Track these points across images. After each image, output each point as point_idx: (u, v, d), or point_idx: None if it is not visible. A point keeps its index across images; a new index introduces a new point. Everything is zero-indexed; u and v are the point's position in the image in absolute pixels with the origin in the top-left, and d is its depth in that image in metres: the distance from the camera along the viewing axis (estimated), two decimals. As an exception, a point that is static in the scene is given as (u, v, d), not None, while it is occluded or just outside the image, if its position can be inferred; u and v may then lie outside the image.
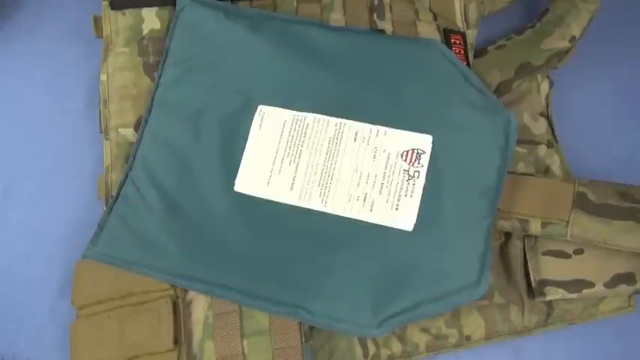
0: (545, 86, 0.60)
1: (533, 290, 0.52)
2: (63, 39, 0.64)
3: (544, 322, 0.53)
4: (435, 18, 0.59)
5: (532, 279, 0.52)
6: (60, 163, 0.60)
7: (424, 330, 0.53)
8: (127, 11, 0.57)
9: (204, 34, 0.56)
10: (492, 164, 0.50)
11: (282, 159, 0.53)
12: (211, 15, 0.56)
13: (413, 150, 0.51)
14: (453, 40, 0.57)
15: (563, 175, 0.57)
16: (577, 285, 0.51)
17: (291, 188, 0.52)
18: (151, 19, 0.57)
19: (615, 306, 0.54)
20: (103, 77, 0.56)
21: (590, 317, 0.54)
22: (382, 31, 0.57)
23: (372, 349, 0.52)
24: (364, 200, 0.51)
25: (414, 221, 0.49)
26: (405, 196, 0.50)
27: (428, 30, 0.58)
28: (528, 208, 0.51)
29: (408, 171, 0.51)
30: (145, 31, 0.57)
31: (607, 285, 0.51)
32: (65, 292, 0.55)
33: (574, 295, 0.51)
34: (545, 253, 0.53)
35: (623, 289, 0.51)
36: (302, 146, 0.53)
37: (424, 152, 0.51)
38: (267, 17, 0.56)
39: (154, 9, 0.57)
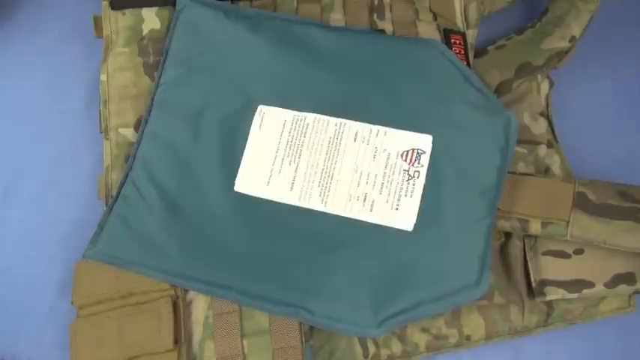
0: (545, 86, 0.60)
1: (533, 290, 0.52)
2: (63, 39, 0.64)
3: (544, 322, 0.53)
4: (435, 18, 0.59)
5: (532, 279, 0.52)
6: (60, 163, 0.60)
7: (424, 330, 0.53)
8: (127, 11, 0.57)
9: (204, 34, 0.56)
10: (492, 164, 0.50)
11: (282, 159, 0.53)
12: (211, 15, 0.56)
13: (413, 150, 0.51)
14: (453, 40, 0.57)
15: (563, 175, 0.57)
16: (577, 285, 0.51)
17: (291, 188, 0.52)
18: (151, 19, 0.57)
19: (615, 306, 0.54)
20: (103, 77, 0.56)
21: (590, 317, 0.54)
22: (382, 31, 0.57)
23: (372, 349, 0.52)
24: (364, 200, 0.51)
25: (414, 221, 0.49)
26: (405, 196, 0.50)
27: (428, 30, 0.58)
28: (528, 208, 0.51)
29: (408, 171, 0.51)
30: (145, 31, 0.57)
31: (607, 285, 0.51)
32: (65, 292, 0.55)
33: (574, 295, 0.51)
34: (545, 253, 0.53)
35: (623, 289, 0.51)
36: (302, 146, 0.53)
37: (424, 152, 0.51)
38: (267, 17, 0.56)
39: (154, 9, 0.57)
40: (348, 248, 0.50)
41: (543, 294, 0.52)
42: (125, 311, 0.49)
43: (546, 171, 0.57)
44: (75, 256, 0.53)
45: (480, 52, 0.61)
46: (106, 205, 0.53)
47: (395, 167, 0.51)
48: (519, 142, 0.57)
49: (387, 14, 0.58)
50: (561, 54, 0.60)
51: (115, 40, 0.57)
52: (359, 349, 0.52)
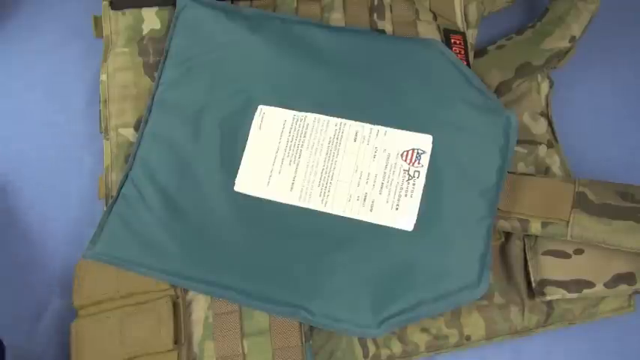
0: (545, 86, 0.60)
1: (534, 290, 0.52)
2: (63, 39, 0.64)
3: (544, 322, 0.53)
4: (435, 18, 0.59)
5: (532, 279, 0.52)
6: (60, 163, 0.60)
7: (424, 330, 0.53)
8: (127, 11, 0.57)
9: (204, 34, 0.56)
10: (492, 164, 0.50)
11: (282, 159, 0.53)
12: (211, 15, 0.56)
13: (413, 150, 0.51)
14: (453, 40, 0.57)
15: (563, 175, 0.57)
16: (577, 285, 0.51)
17: (291, 188, 0.52)
18: (151, 19, 0.57)
19: (615, 306, 0.54)
20: (103, 77, 0.56)
21: (590, 317, 0.54)
22: (382, 31, 0.57)
23: (372, 349, 0.52)
24: (364, 200, 0.51)
25: (414, 221, 0.50)
26: (405, 196, 0.50)
27: (428, 30, 0.58)
28: (528, 208, 0.51)
29: (408, 171, 0.51)
30: (145, 31, 0.57)
31: (607, 285, 0.51)
32: (65, 292, 0.55)
33: (574, 295, 0.51)
34: (546, 253, 0.53)
35: (624, 289, 0.51)
36: (302, 146, 0.53)
37: (424, 152, 0.51)
38: (267, 17, 0.56)
39: (154, 9, 0.57)
40: (348, 248, 0.50)
41: (543, 294, 0.52)
42: (125, 311, 0.49)
43: (546, 171, 0.57)
44: (75, 256, 0.52)
45: (479, 52, 0.61)
46: (106, 205, 0.53)
47: (395, 167, 0.51)
48: (519, 142, 0.57)
49: (387, 14, 0.58)
50: (561, 54, 0.60)
51: (115, 40, 0.57)
52: (359, 349, 0.52)
